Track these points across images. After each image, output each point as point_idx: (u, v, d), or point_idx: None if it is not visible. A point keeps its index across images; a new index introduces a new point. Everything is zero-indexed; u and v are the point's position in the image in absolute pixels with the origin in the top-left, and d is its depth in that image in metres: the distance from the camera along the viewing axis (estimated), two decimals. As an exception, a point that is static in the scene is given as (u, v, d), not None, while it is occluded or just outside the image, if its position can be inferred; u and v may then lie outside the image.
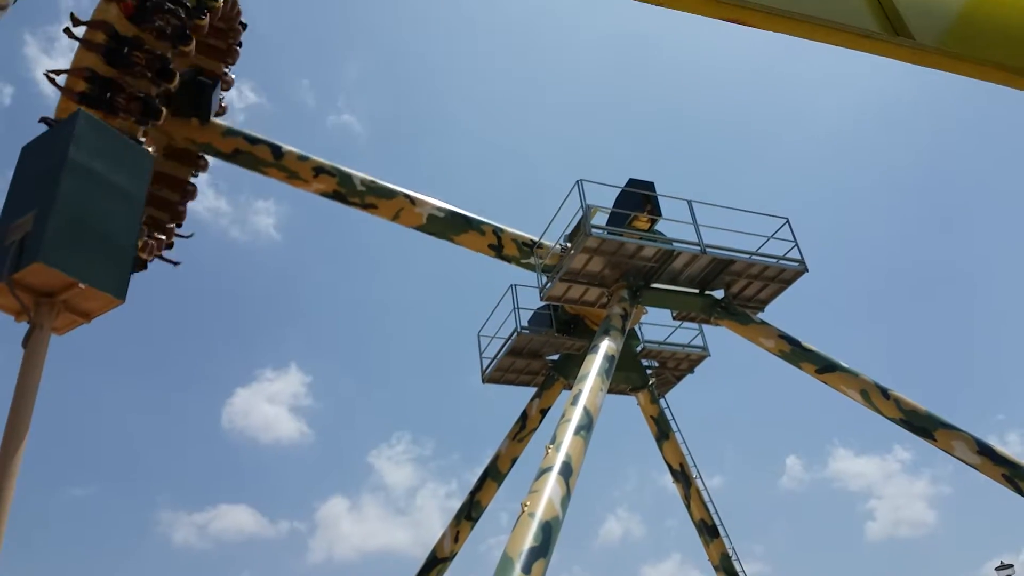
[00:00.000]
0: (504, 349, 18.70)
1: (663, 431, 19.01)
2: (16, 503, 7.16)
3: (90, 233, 7.13)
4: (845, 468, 53.45)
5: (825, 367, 15.06)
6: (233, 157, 14.97)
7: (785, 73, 57.87)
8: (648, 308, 17.49)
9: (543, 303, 17.61)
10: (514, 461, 18.42)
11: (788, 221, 16.35)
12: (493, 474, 18.27)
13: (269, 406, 51.93)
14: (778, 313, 21.29)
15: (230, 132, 15.00)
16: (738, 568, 18.29)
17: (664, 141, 58.19)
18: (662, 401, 19.37)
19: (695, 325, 18.68)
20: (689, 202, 15.97)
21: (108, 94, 11.63)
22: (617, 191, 16.54)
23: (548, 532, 9.30)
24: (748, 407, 54.58)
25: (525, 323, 18.54)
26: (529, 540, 9.03)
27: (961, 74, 2.44)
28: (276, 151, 15.19)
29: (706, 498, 18.76)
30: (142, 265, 14.07)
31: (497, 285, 44.32)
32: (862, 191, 56.72)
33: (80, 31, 11.80)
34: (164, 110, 12.69)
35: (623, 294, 15.48)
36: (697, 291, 16.58)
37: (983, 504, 48.57)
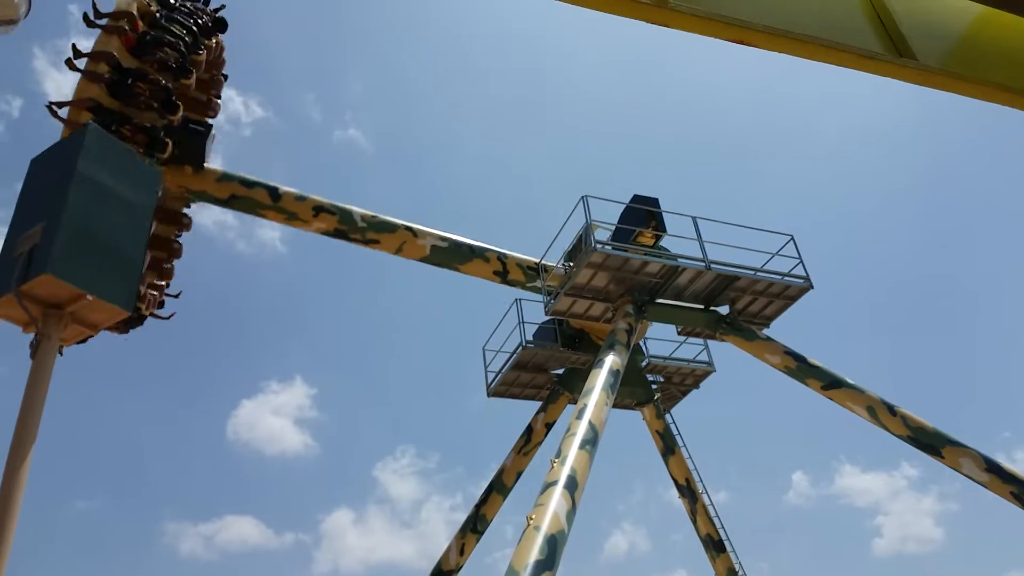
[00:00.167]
0: (509, 363, 18.70)
1: (669, 446, 18.94)
2: (22, 514, 7.17)
3: (98, 246, 7.18)
4: (852, 484, 53.05)
5: (831, 383, 15.01)
6: (229, 203, 14.69)
7: (788, 93, 58.04)
8: (653, 323, 17.47)
9: (548, 318, 17.63)
10: (519, 475, 18.38)
11: (793, 238, 16.36)
12: (498, 487, 18.22)
13: (274, 418, 51.89)
14: (784, 330, 21.29)
15: (225, 177, 14.62)
16: (744, 584, 18.16)
17: (668, 159, 58.32)
18: (668, 416, 19.30)
19: (700, 340, 18.66)
20: (694, 218, 16.01)
21: (113, 126, 11.58)
22: (622, 207, 16.58)
23: (554, 545, 9.28)
24: (754, 423, 54.28)
25: (530, 337, 18.55)
26: (535, 553, 9.01)
27: (964, 95, 2.46)
28: (273, 193, 14.82)
29: (712, 513, 18.67)
30: (140, 320, 13.76)
31: (502, 299, 44.38)
32: (866, 209, 56.70)
33: (82, 63, 11.74)
34: (170, 142, 12.59)
35: (628, 309, 15.48)
36: (702, 307, 16.57)
37: (991, 521, 48.15)
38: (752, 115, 57.64)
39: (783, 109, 57.18)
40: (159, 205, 13.01)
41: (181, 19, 12.88)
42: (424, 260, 16.16)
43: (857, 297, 55.80)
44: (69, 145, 7.36)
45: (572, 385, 18.24)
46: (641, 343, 19.14)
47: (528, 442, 18.44)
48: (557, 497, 10.03)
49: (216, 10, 13.67)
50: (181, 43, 12.58)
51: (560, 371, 19.12)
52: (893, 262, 55.90)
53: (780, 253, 16.26)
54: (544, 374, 19.07)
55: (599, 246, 14.86)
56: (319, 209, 15.04)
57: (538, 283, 16.86)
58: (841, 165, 55.97)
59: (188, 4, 13.27)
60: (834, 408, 15.28)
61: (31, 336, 7.70)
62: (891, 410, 14.26)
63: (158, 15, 12.47)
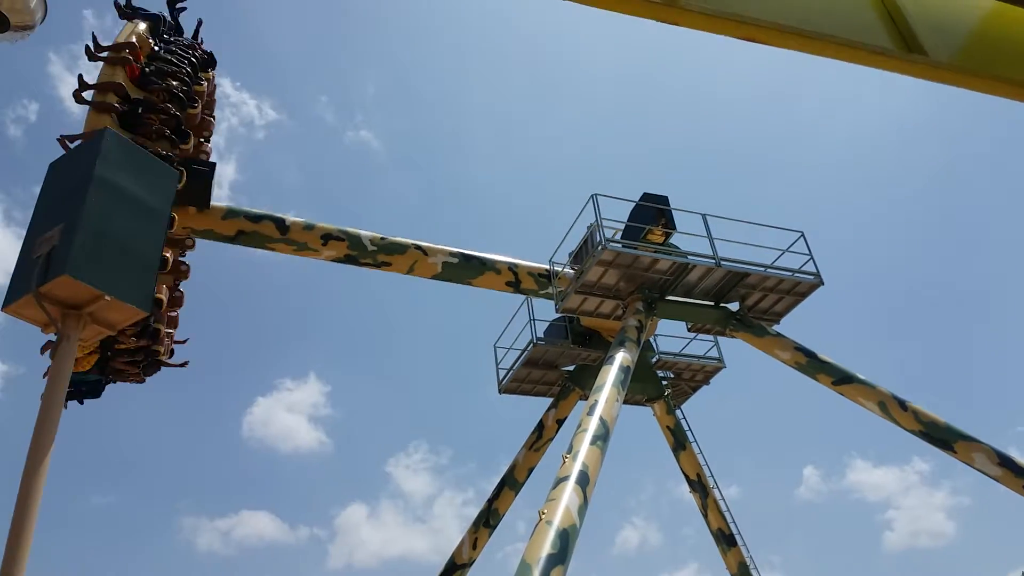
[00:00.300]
0: (520, 360, 18.75)
1: (680, 441, 18.96)
2: (40, 510, 7.27)
3: (115, 247, 7.27)
4: (863, 479, 52.88)
5: (842, 379, 14.99)
6: (236, 239, 14.35)
7: (797, 91, 57.80)
8: (663, 320, 17.48)
9: (559, 315, 17.67)
10: (531, 470, 18.45)
11: (803, 234, 16.34)
12: (510, 483, 18.30)
13: (288, 415, 52.22)
14: (794, 326, 21.25)
15: (230, 213, 14.27)
16: (756, 577, 18.18)
17: (678, 159, 58.18)
18: (678, 411, 19.32)
19: (710, 337, 18.67)
20: (703, 216, 16.02)
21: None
22: (632, 205, 16.60)
23: (566, 540, 9.33)
24: (765, 418, 54.19)
25: (541, 335, 18.60)
26: (547, 547, 9.06)
27: (975, 90, 2.48)
28: (280, 225, 14.60)
29: (723, 507, 18.69)
30: (156, 366, 13.60)
31: (513, 298, 44.28)
32: (877, 206, 56.41)
33: (89, 95, 11.67)
34: (183, 171, 12.50)
35: (638, 306, 15.51)
36: (712, 303, 16.58)
37: (1003, 515, 47.86)
38: (761, 114, 57.46)
39: (792, 107, 56.96)
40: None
41: (179, 51, 12.88)
42: (436, 277, 16.06)
43: (869, 293, 55.56)
44: (87, 149, 7.46)
45: (583, 381, 18.29)
46: (651, 340, 19.16)
47: (539, 438, 18.50)
48: (569, 492, 10.08)
49: (206, 51, 13.62)
50: (184, 72, 12.54)
51: (571, 368, 19.17)
52: (905, 258, 55.64)
53: (791, 250, 16.24)
54: (555, 371, 19.12)
55: (610, 244, 14.89)
56: (328, 237, 14.88)
57: (550, 290, 16.84)
58: (851, 162, 55.73)
59: (181, 39, 13.28)
60: (845, 403, 15.28)
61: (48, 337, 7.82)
62: (902, 405, 14.24)
63: (156, 48, 12.45)
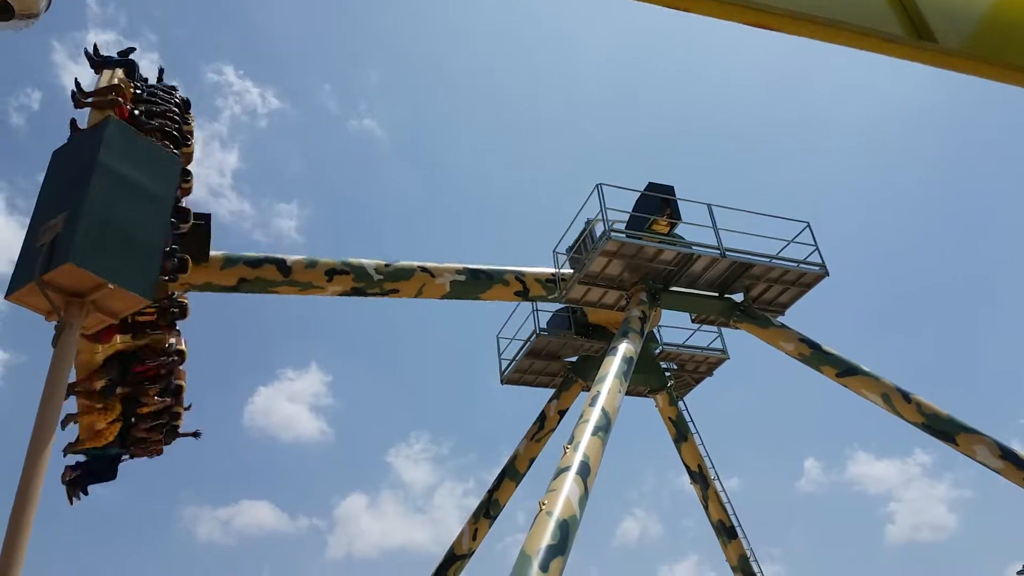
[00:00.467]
0: (523, 351, 18.76)
1: (681, 433, 18.97)
2: (40, 499, 7.29)
3: (119, 235, 7.27)
4: (865, 471, 52.90)
5: (846, 371, 14.98)
6: (238, 288, 13.76)
7: (807, 77, 57.47)
8: (667, 311, 17.45)
9: (562, 305, 17.66)
10: (532, 461, 18.48)
11: (809, 225, 16.29)
12: (511, 473, 18.34)
13: (290, 405, 52.34)
14: (799, 317, 21.23)
15: (229, 262, 13.62)
16: (756, 569, 18.22)
17: (684, 147, 57.98)
18: (680, 403, 19.32)
19: (714, 328, 18.65)
20: (709, 206, 15.98)
21: None
22: (637, 195, 16.55)
23: (566, 530, 9.33)
24: (766, 409, 54.17)
25: (544, 325, 18.60)
26: (547, 538, 9.06)
27: (985, 77, 2.45)
28: (282, 266, 14.03)
29: (724, 499, 18.71)
30: (174, 435, 13.24)
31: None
32: (885, 196, 56.21)
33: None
34: (190, 211, 12.16)
35: (642, 297, 15.48)
36: (717, 294, 16.55)
37: (1005, 508, 47.88)
38: (770, 101, 57.14)
39: (801, 94, 56.64)
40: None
41: (161, 92, 12.47)
42: (445, 297, 15.79)
43: (875, 283, 55.42)
44: (91, 137, 7.45)
45: (585, 372, 18.28)
46: (655, 330, 19.14)
47: (541, 429, 18.53)
48: (569, 483, 10.08)
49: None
50: (173, 112, 12.15)
51: (574, 359, 19.17)
52: (912, 247, 55.43)
53: (796, 240, 16.19)
54: (558, 361, 19.13)
55: (614, 234, 14.86)
56: (332, 272, 14.40)
57: (557, 294, 16.81)
58: (859, 150, 55.46)
59: (157, 84, 12.81)
60: (847, 395, 15.27)
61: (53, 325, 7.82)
62: (906, 397, 14.22)
63: (138, 91, 12.02)
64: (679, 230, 16.69)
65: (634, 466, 52.18)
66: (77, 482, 12.09)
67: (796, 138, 56.75)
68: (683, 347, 19.25)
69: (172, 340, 12.22)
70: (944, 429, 13.79)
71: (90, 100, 11.47)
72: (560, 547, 9.10)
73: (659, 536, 49.72)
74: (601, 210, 15.02)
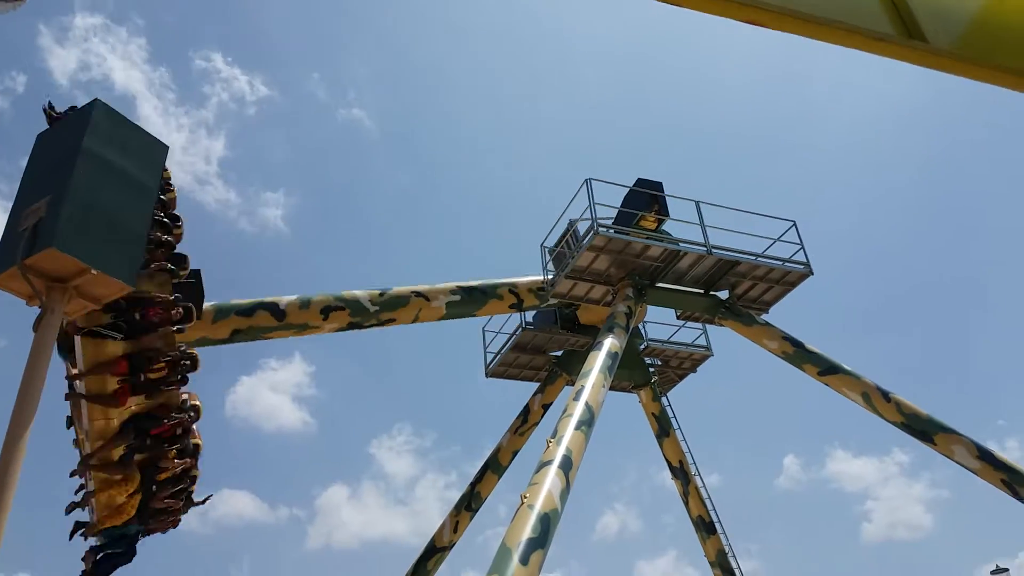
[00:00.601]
0: (508, 344, 18.79)
1: (664, 428, 19.08)
2: (17, 487, 7.22)
3: (103, 220, 7.19)
4: (843, 469, 53.49)
5: (827, 369, 15.12)
6: (233, 338, 13.32)
7: (799, 76, 57.76)
8: (652, 307, 17.53)
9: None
10: (515, 454, 18.54)
11: (795, 224, 16.41)
12: (494, 466, 18.38)
13: (272, 395, 52.15)
14: (787, 315, 21.39)
15: (220, 313, 13.12)
16: (734, 565, 18.39)
17: (677, 143, 58.13)
18: (664, 399, 19.43)
19: (699, 325, 18.75)
20: (696, 203, 16.06)
21: (137, 312, 10.36)
22: (625, 190, 16.59)
23: (547, 524, 9.35)
24: (749, 406, 54.60)
25: (530, 319, 18.62)
26: (528, 531, 9.08)
27: (974, 78, 2.48)
28: (275, 311, 13.55)
29: (704, 495, 18.85)
30: (176, 522, 12.63)
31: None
32: (873, 196, 56.65)
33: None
34: (187, 257, 11.42)
35: (628, 292, 15.54)
36: (702, 291, 16.64)
37: (981, 508, 48.55)
38: (762, 98, 57.38)
39: (793, 92, 56.89)
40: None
41: None
42: (442, 318, 15.63)
43: (860, 284, 55.90)
44: (76, 121, 7.35)
45: (570, 367, 18.34)
46: (640, 326, 19.22)
47: (525, 422, 18.58)
48: (552, 476, 10.10)
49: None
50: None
51: (559, 353, 19.21)
52: (896, 250, 55.94)
53: (782, 239, 16.30)
54: (543, 356, 19.17)
55: (601, 229, 14.90)
56: (327, 310, 14.02)
57: (551, 301, 16.83)
58: (849, 149, 55.83)
59: None
60: (828, 393, 15.42)
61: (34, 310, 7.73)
62: (885, 396, 14.38)
63: None
64: (667, 226, 16.75)
65: (616, 461, 52.46)
66: (100, 572, 11.27)
67: (789, 136, 57.07)
68: (668, 343, 19.35)
69: (185, 396, 11.51)
70: (923, 429, 13.96)
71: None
72: (541, 540, 9.12)
73: (639, 531, 50.06)
74: (590, 205, 15.05)
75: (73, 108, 10.59)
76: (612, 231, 15.21)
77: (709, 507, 18.78)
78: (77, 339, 10.05)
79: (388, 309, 14.59)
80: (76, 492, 11.69)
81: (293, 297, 13.86)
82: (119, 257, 7.41)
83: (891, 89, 54.97)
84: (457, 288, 15.50)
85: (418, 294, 15.05)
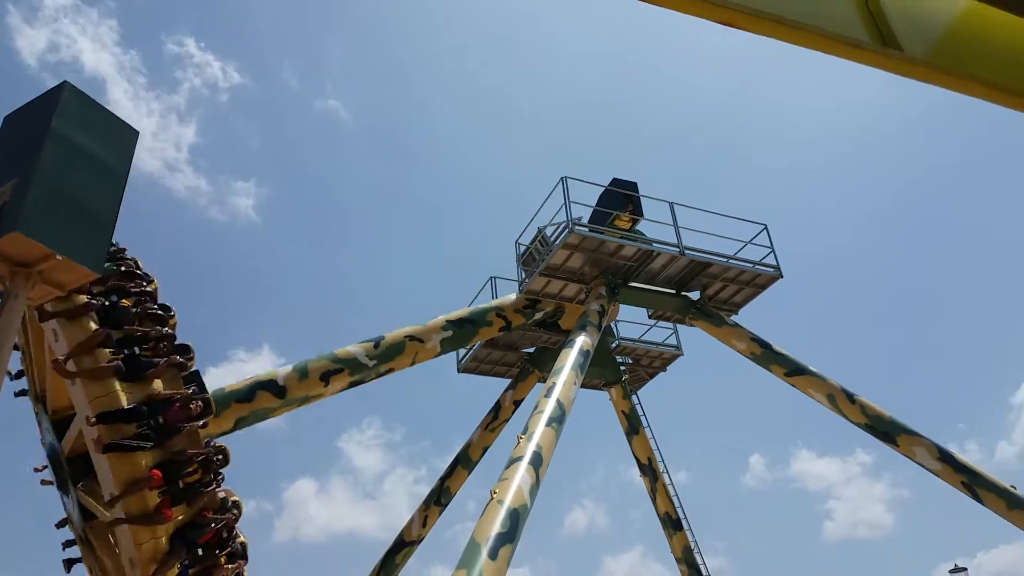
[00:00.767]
0: (480, 340, 18.76)
1: (633, 426, 19.21)
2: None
3: (70, 205, 7.05)
4: (807, 469, 54.41)
5: (794, 370, 15.34)
6: (237, 427, 12.70)
7: (776, 79, 58.41)
8: (625, 306, 17.64)
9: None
10: (485, 450, 18.53)
11: (766, 227, 16.61)
12: (464, 462, 18.37)
13: (239, 388, 51.52)
14: (754, 317, 21.66)
15: (220, 404, 12.25)
16: (699, 561, 18.58)
17: (649, 146, 58.50)
18: (634, 397, 19.57)
19: (670, 324, 18.91)
20: (671, 204, 16.18)
21: (150, 420, 9.87)
22: (600, 190, 16.67)
23: (516, 519, 9.37)
24: (717, 406, 55.26)
25: (502, 315, 18.61)
26: (497, 526, 9.08)
27: (946, 88, 2.52)
28: (275, 389, 12.87)
29: (672, 492, 19.03)
30: None
31: (477, 275, 44.35)
32: (843, 200, 57.52)
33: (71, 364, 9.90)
34: (191, 346, 11.04)
35: (601, 291, 15.62)
36: (674, 291, 16.78)
37: (940, 508, 49.66)
38: (738, 101, 57.93)
39: (769, 96, 57.54)
40: None
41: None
42: (438, 356, 15.45)
43: (828, 287, 56.79)
44: (44, 102, 7.18)
45: (542, 364, 18.39)
46: (612, 325, 19.32)
47: (495, 418, 18.59)
48: (522, 472, 10.12)
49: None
50: (136, 288, 10.95)
51: (531, 350, 19.24)
52: (863, 253, 56.91)
53: (754, 242, 16.50)
54: (515, 352, 19.19)
55: (576, 227, 14.95)
56: (326, 375, 13.43)
57: (537, 316, 16.85)
58: (821, 156, 56.63)
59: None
60: (794, 394, 15.67)
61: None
62: (850, 398, 14.63)
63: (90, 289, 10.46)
64: (641, 227, 16.86)
65: (586, 458, 52.79)
66: None
67: (762, 140, 57.70)
68: (639, 342, 19.48)
69: (222, 493, 10.67)
70: (886, 430, 14.22)
71: (54, 314, 9.87)
72: (510, 535, 9.14)
73: (606, 527, 50.44)
74: (565, 203, 15.10)
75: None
76: (587, 229, 15.27)
77: (676, 504, 18.97)
78: (102, 459, 9.31)
79: (386, 360, 14.20)
80: None
81: (288, 369, 13.18)
82: (86, 243, 7.27)
83: (863, 95, 55.85)
84: (447, 323, 15.25)
85: (411, 338, 14.67)
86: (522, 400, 18.73)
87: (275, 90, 54.37)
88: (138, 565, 9.50)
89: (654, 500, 19.18)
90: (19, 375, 12.61)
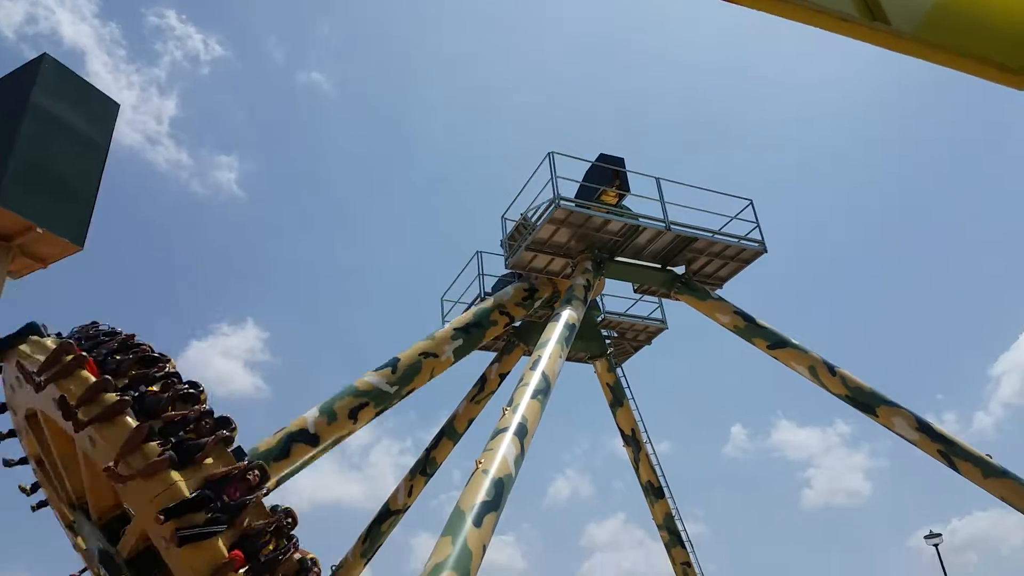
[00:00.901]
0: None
1: (618, 398, 19.39)
2: None
3: (51, 178, 6.97)
4: (787, 439, 55.38)
5: (776, 343, 15.51)
6: (280, 483, 12.35)
7: (764, 55, 58.25)
8: (610, 280, 17.69)
9: (507, 271, 17.71)
10: (471, 422, 18.67)
11: (752, 203, 16.67)
12: (449, 433, 18.50)
13: (224, 360, 51.51)
14: (740, 291, 21.81)
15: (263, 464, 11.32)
16: (680, 527, 18.91)
17: (637, 122, 58.30)
18: (619, 369, 19.72)
19: (655, 298, 19.01)
20: (657, 179, 16.20)
21: (224, 499, 9.58)
22: (588, 165, 16.62)
23: (500, 488, 9.51)
24: (700, 377, 55.89)
25: (489, 289, 18.63)
26: (482, 495, 9.23)
27: (934, 62, 2.54)
28: (307, 438, 12.52)
29: (654, 462, 19.27)
30: None
31: (463, 250, 44.27)
32: (832, 175, 57.79)
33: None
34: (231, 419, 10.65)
35: (587, 265, 15.66)
36: (659, 266, 16.85)
37: (918, 477, 50.73)
38: (726, 77, 57.79)
39: (757, 72, 57.43)
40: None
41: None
42: (452, 365, 15.34)
43: (812, 262, 57.26)
44: (23, 75, 7.06)
45: (528, 337, 18.46)
46: (598, 299, 19.40)
47: (481, 391, 18.69)
48: (507, 443, 10.24)
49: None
50: (130, 341, 10.56)
51: (517, 323, 19.29)
52: (848, 230, 57.34)
53: (739, 217, 16.56)
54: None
55: (562, 202, 14.94)
56: (353, 412, 13.20)
57: (537, 304, 16.85)
58: (808, 134, 56.74)
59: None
60: (776, 366, 15.85)
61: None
62: (831, 370, 14.83)
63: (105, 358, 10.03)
64: (627, 202, 16.87)
65: (571, 429, 53.32)
66: None
67: (749, 117, 57.68)
68: (624, 316, 19.59)
69: (297, 554, 10.23)
70: (866, 401, 14.45)
71: (48, 375, 9.60)
72: (494, 503, 9.28)
73: (589, 495, 51.19)
74: (552, 178, 15.07)
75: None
76: (573, 204, 15.26)
77: (659, 473, 19.22)
78: (176, 553, 8.94)
79: (406, 382, 14.03)
80: None
81: (315, 413, 12.81)
82: (67, 216, 7.20)
83: (850, 72, 55.88)
84: (455, 332, 15.10)
85: (425, 355, 14.48)
86: (508, 373, 18.82)
87: (259, 63, 53.62)
88: None
89: (637, 469, 19.43)
90: (35, 488, 12.36)
